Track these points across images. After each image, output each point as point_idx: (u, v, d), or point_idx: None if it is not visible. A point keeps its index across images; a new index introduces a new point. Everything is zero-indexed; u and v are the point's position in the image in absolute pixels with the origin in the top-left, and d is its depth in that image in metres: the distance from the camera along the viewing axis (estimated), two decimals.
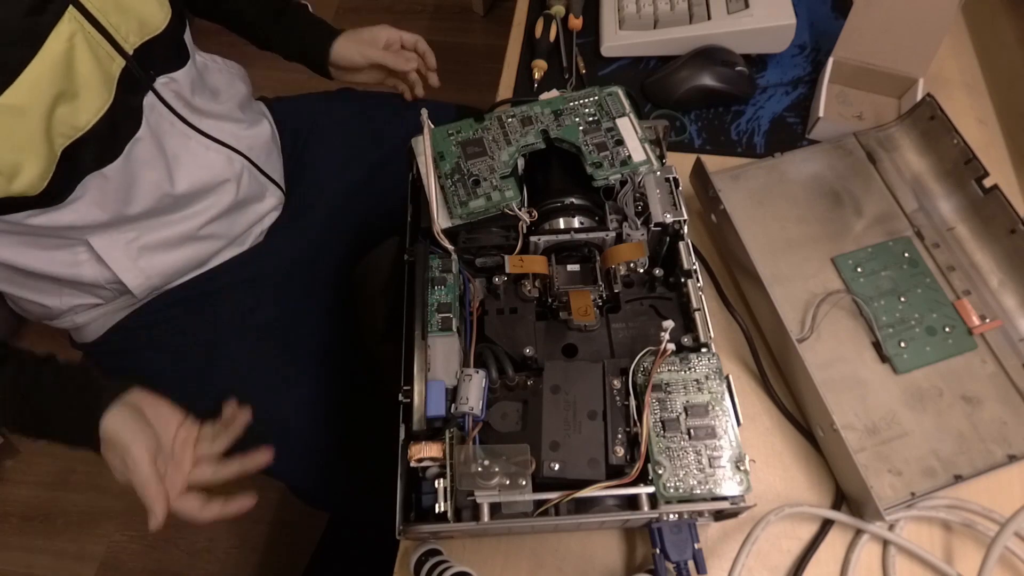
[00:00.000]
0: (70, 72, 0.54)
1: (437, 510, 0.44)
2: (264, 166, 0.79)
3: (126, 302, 0.74)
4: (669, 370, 0.48)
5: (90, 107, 0.56)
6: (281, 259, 0.81)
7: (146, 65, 0.62)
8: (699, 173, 0.62)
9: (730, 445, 0.45)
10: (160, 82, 0.65)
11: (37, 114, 0.52)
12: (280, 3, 0.84)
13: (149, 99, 0.64)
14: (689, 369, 0.48)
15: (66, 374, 0.60)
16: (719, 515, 0.47)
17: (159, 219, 0.69)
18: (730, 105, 0.75)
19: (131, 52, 0.60)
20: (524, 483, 0.43)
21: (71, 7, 0.53)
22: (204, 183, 0.70)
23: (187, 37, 0.69)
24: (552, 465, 0.44)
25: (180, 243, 0.72)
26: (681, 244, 0.53)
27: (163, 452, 0.58)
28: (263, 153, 0.79)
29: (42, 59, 0.51)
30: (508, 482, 0.43)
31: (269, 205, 0.81)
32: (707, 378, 0.47)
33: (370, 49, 0.83)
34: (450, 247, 0.53)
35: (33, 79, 0.51)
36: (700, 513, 0.46)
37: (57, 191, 0.58)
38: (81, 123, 0.56)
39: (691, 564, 0.46)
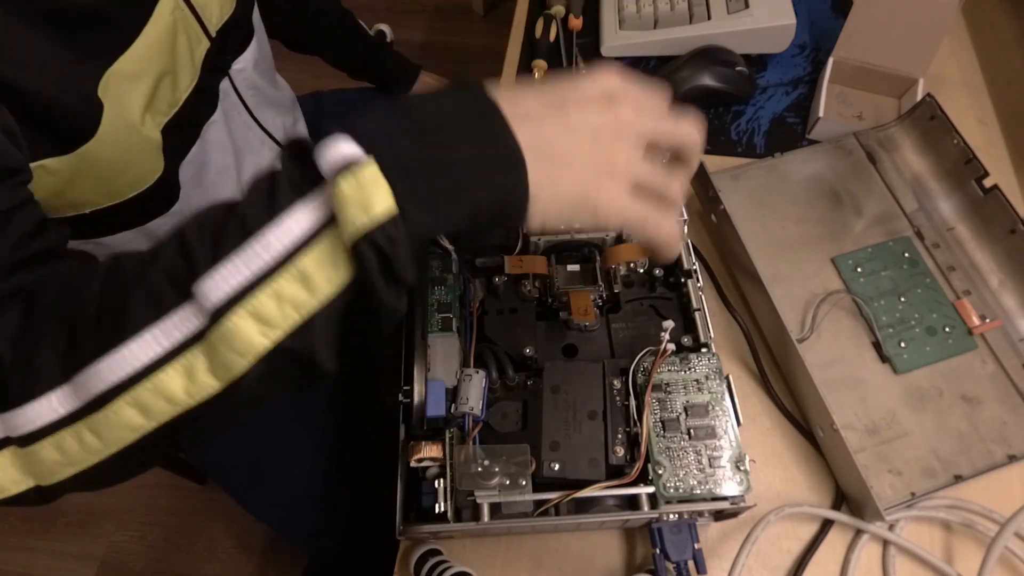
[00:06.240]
0: (173, 48, 0.53)
1: (437, 510, 0.44)
2: None
3: None
4: (669, 370, 0.48)
5: (181, 84, 0.55)
6: None
7: (223, 49, 0.62)
8: (699, 173, 0.62)
9: (730, 445, 0.45)
10: (235, 67, 0.64)
11: (145, 86, 0.51)
12: (362, 49, 0.87)
13: (224, 84, 0.63)
14: (689, 369, 0.48)
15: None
16: (719, 515, 0.47)
17: None
18: (730, 105, 0.75)
19: (214, 35, 0.59)
20: (524, 483, 0.43)
21: None
22: None
23: (255, 16, 0.68)
24: (552, 465, 0.44)
25: None
26: (681, 244, 0.53)
27: None
28: None
29: (152, 28, 0.51)
30: (508, 482, 0.43)
31: None
32: (707, 378, 0.47)
33: None
34: (450, 247, 0.53)
35: (145, 49, 0.50)
36: (700, 513, 0.46)
37: (169, 179, 0.56)
38: (175, 99, 0.55)
39: (691, 564, 0.46)
